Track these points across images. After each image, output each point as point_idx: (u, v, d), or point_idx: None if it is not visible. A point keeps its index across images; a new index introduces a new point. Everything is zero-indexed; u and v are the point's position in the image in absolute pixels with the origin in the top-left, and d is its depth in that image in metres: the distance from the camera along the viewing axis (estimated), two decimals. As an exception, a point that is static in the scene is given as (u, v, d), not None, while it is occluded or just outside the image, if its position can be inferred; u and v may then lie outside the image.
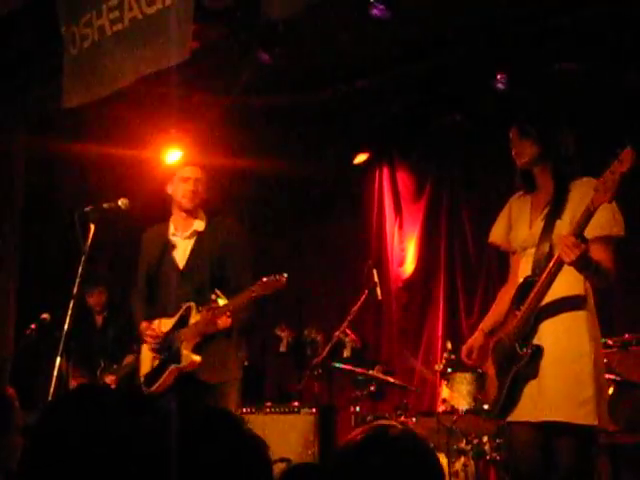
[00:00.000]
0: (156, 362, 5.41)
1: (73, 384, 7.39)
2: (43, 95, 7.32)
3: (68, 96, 6.28)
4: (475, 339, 4.38)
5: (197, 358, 5.26)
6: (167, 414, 1.96)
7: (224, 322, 5.23)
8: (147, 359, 5.51)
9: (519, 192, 4.41)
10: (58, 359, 4.90)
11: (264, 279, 5.07)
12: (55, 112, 6.86)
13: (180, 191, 5.50)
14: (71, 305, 5.01)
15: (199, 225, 5.54)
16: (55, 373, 4.92)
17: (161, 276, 5.51)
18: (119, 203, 5.25)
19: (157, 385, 5.32)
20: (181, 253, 5.50)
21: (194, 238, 5.51)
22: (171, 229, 5.56)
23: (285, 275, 5.14)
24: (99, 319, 7.95)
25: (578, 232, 3.77)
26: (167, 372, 5.29)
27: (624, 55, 6.61)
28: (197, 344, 5.29)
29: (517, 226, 4.32)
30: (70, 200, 7.40)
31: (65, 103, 6.31)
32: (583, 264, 3.83)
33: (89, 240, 5.07)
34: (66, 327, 4.94)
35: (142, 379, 5.46)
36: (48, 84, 6.93)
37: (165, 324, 5.42)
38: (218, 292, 5.21)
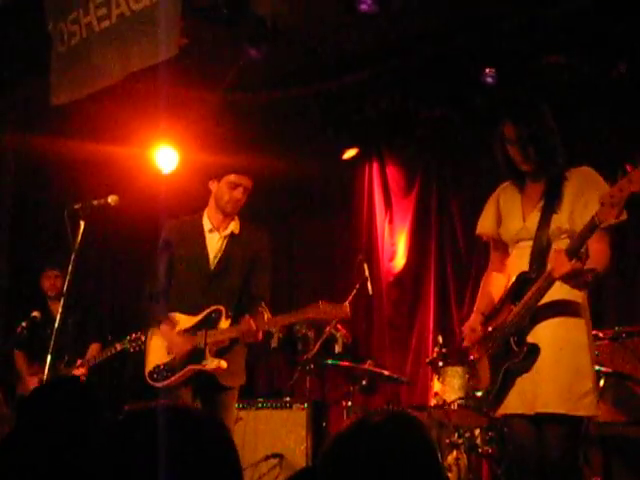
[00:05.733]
0: (168, 357, 5.29)
1: (29, 381, 7.24)
2: (31, 93, 7.30)
3: (56, 93, 6.28)
4: (474, 321, 4.30)
5: (224, 364, 5.16)
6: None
7: (262, 335, 5.18)
8: (157, 352, 5.36)
9: (506, 182, 4.36)
10: (49, 357, 4.90)
11: (321, 304, 4.98)
12: (43, 109, 6.84)
13: (227, 195, 5.36)
14: (62, 303, 5.01)
15: (235, 227, 5.46)
16: (46, 371, 4.93)
17: (189, 271, 5.39)
18: (109, 200, 5.22)
19: (169, 381, 5.22)
20: (213, 253, 5.40)
21: (227, 239, 5.43)
22: (207, 225, 5.45)
23: (347, 304, 5.07)
24: (54, 308, 7.25)
25: (575, 249, 3.76)
26: (185, 370, 5.19)
27: (612, 47, 6.62)
28: (221, 348, 5.22)
29: (508, 218, 4.27)
30: (59, 197, 7.38)
31: (53, 100, 6.31)
32: (574, 282, 3.84)
33: (79, 237, 5.06)
34: (57, 325, 4.95)
35: (148, 372, 5.33)
36: (36, 82, 6.91)
37: (183, 320, 5.31)
38: (264, 305, 5.14)
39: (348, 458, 2.08)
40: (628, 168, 3.56)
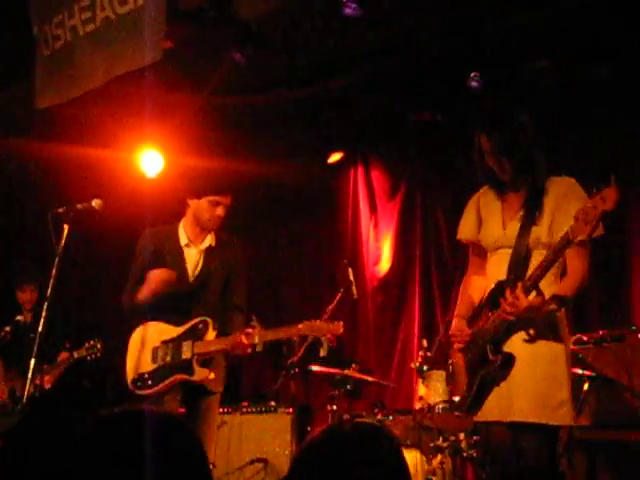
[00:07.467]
0: (152, 365, 5.30)
1: (2, 387, 7.19)
2: (15, 96, 7.28)
3: (41, 96, 6.26)
4: (459, 324, 4.28)
5: (212, 375, 5.24)
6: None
7: (252, 349, 5.22)
8: (140, 359, 5.35)
9: (485, 187, 4.33)
10: (32, 361, 4.87)
11: (313, 321, 5.13)
12: (27, 113, 6.82)
13: (208, 213, 5.38)
14: (45, 307, 4.98)
15: (212, 240, 5.49)
16: (30, 375, 4.89)
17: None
18: (93, 204, 5.21)
19: (154, 390, 5.24)
20: (192, 265, 5.43)
21: (205, 253, 5.46)
22: (184, 239, 5.47)
23: (341, 323, 5.16)
24: (28, 316, 7.49)
25: (533, 283, 3.83)
26: (171, 379, 5.22)
27: (596, 51, 6.63)
28: (207, 358, 5.28)
29: (487, 224, 4.25)
30: (43, 201, 7.35)
31: (37, 103, 6.30)
32: (535, 314, 3.90)
33: (63, 241, 5.04)
34: (40, 329, 4.91)
35: (132, 379, 5.32)
36: (20, 85, 6.89)
37: (166, 330, 5.33)
38: (254, 317, 5.18)
39: (319, 466, 2.09)
40: (602, 186, 3.50)
